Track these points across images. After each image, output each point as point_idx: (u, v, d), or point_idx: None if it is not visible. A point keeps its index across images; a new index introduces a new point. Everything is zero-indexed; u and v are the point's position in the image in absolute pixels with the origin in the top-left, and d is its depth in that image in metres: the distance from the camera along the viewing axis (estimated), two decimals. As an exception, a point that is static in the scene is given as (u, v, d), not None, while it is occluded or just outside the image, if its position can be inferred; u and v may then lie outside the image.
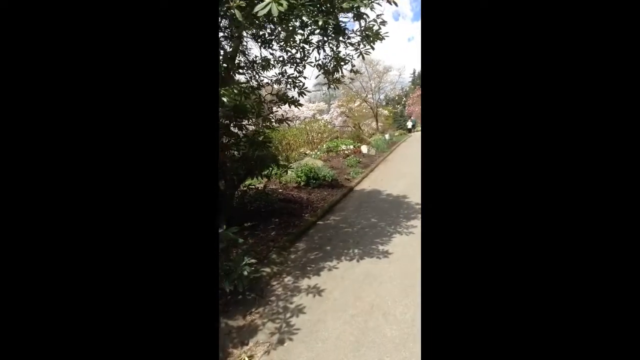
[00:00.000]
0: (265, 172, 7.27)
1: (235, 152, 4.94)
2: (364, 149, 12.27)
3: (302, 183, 7.36)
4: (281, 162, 9.02)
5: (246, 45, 4.79)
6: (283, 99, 4.78)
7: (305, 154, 11.09)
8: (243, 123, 4.71)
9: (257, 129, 4.96)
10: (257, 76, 5.10)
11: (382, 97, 28.90)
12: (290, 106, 4.77)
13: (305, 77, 4.84)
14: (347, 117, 26.96)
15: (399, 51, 71.51)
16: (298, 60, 4.59)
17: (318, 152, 10.68)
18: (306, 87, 4.82)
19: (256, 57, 4.86)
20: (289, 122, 5.09)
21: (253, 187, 6.46)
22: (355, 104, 26.82)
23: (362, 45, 3.98)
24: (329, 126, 27.89)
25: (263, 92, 5.23)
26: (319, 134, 12.20)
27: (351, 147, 11.18)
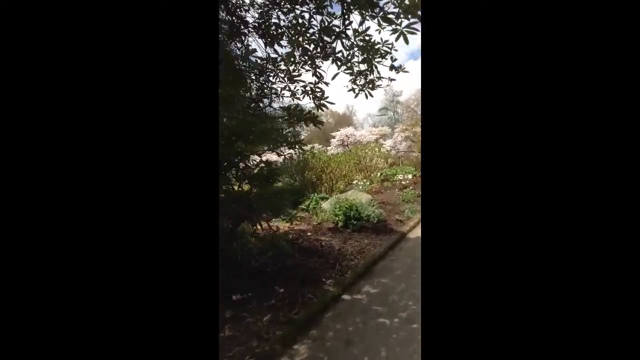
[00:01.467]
0: (283, 213, 5.63)
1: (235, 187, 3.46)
2: (427, 179, 10.19)
3: (340, 224, 5.64)
4: (317, 196, 7.47)
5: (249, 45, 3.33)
6: (300, 117, 3.17)
7: (350, 183, 9.35)
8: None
9: (261, 158, 3.41)
10: (267, 84, 3.60)
11: (450, 120, 26.12)
12: (314, 125, 3.16)
13: (326, 83, 3.21)
14: (412, 142, 24.80)
15: (470, 74, 67.11)
16: (315, 55, 2.97)
17: (367, 183, 8.86)
18: (327, 97, 3.18)
19: (262, 60, 3.37)
20: (303, 146, 3.44)
21: (274, 227, 4.91)
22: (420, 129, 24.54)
23: (401, 20, 2.26)
24: (389, 151, 25.99)
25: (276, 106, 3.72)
26: (373, 160, 10.45)
27: (410, 176, 9.18)
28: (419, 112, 24.83)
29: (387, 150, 26.87)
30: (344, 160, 9.73)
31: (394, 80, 3.03)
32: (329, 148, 23.75)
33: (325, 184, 7.86)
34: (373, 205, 6.68)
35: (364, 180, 9.96)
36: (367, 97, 3.15)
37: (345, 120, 39.95)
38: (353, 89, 3.21)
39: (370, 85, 3.08)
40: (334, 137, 24.25)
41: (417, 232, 5.64)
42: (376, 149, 10.71)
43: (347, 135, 24.29)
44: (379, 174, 10.27)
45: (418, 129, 24.24)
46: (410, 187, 8.75)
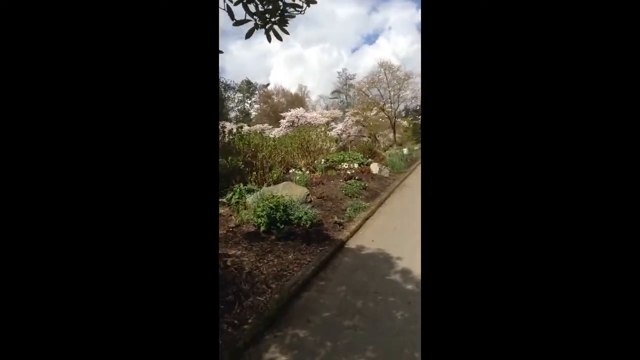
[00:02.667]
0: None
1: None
2: (374, 167, 9.04)
3: (262, 228, 4.25)
4: (242, 187, 5.92)
5: None
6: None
7: (288, 172, 7.94)
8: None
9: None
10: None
11: (401, 107, 25.58)
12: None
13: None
14: (363, 126, 23.94)
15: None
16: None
17: (307, 173, 7.48)
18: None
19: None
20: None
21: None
22: (372, 113, 23.74)
23: None
24: (340, 134, 24.93)
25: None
26: (318, 144, 9.13)
27: (356, 165, 7.97)
28: (370, 96, 23.89)
29: (337, 134, 25.93)
30: (282, 143, 8.26)
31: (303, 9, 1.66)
32: (277, 130, 22.12)
33: (255, 173, 6.36)
34: (309, 202, 5.33)
35: (304, 169, 8.61)
36: (279, 39, 1.74)
37: (298, 101, 38.32)
38: (258, 25, 1.77)
39: (278, 18, 1.66)
40: (284, 118, 22.65)
41: (359, 240, 4.41)
42: (321, 132, 9.38)
43: (297, 117, 22.79)
44: (322, 160, 8.97)
45: (369, 113, 23.40)
46: (356, 178, 7.54)
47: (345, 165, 7.56)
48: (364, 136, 24.69)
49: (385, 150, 16.84)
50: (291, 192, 5.32)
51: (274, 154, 7.39)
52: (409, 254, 3.67)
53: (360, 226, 4.87)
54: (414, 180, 9.04)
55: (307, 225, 4.35)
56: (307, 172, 8.80)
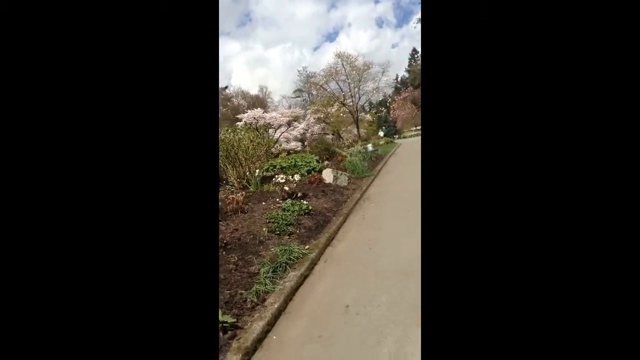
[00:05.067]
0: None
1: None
2: (327, 175, 6.55)
3: None
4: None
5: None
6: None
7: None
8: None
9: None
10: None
11: (363, 100, 23.35)
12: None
13: None
14: (326, 123, 21.56)
15: (382, 57, 66.02)
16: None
17: (230, 190, 4.90)
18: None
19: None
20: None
21: None
22: (333, 109, 21.36)
23: None
24: (303, 133, 22.37)
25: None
26: (249, 150, 6.50)
27: (297, 176, 5.39)
28: (329, 90, 21.56)
29: (300, 134, 23.35)
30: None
31: None
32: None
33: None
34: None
35: (236, 184, 6.01)
36: None
37: (259, 102, 35.71)
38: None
39: None
40: (240, 120, 19.86)
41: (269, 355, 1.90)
42: (255, 135, 6.75)
43: (255, 118, 20.11)
44: (257, 171, 6.41)
45: (330, 109, 21.05)
46: (298, 195, 5.03)
47: (281, 179, 5.03)
48: (327, 133, 22.37)
49: (348, 147, 14.46)
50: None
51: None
52: None
53: (277, 314, 2.36)
54: (380, 189, 6.61)
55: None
56: (238, 188, 6.22)
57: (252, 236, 3.59)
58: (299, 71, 38.12)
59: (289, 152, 21.08)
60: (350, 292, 2.59)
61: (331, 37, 55.23)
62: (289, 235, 3.71)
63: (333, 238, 3.90)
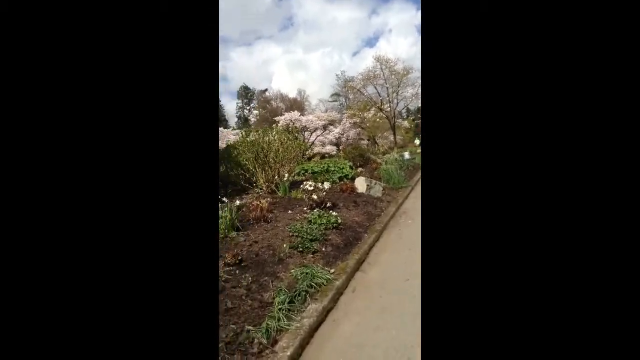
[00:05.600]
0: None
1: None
2: (360, 183, 5.99)
3: None
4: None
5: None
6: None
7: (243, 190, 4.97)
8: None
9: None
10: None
11: (401, 106, 22.49)
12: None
13: None
14: (362, 128, 20.95)
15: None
16: None
17: (258, 195, 4.44)
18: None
19: None
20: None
21: None
22: (370, 113, 20.71)
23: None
24: (339, 137, 21.91)
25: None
26: (279, 152, 6.10)
27: (327, 184, 4.86)
28: (366, 94, 20.94)
29: (335, 138, 22.92)
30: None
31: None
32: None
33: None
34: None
35: (264, 187, 5.64)
36: None
37: (296, 105, 35.85)
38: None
39: None
40: (278, 123, 19.80)
41: None
42: (284, 136, 6.36)
43: (291, 120, 20.00)
44: (286, 175, 5.99)
45: (367, 114, 20.41)
46: (327, 205, 4.54)
47: (309, 186, 4.56)
48: (362, 139, 21.76)
49: (384, 154, 13.78)
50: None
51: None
52: None
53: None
54: (419, 203, 5.94)
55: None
56: (267, 192, 5.86)
57: (271, 251, 3.14)
58: (337, 75, 37.70)
59: (323, 156, 20.72)
60: (382, 337, 2.05)
61: (371, 42, 54.36)
62: (312, 253, 3.22)
63: (364, 260, 3.36)
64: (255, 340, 1.94)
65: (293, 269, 2.85)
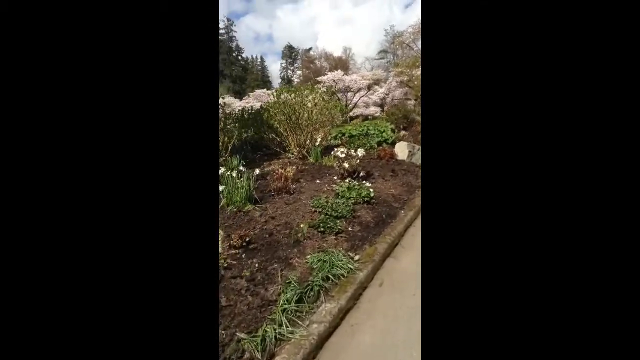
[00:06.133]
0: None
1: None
2: (401, 149, 5.27)
3: None
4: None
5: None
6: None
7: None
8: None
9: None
10: None
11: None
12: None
13: None
14: (409, 87, 19.33)
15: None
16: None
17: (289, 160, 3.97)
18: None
19: None
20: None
21: None
22: (419, 71, 18.90)
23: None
24: (383, 98, 20.55)
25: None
26: (313, 114, 5.47)
27: (360, 150, 4.20)
28: (415, 48, 19.06)
29: (380, 98, 21.56)
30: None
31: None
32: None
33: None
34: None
35: (296, 152, 5.17)
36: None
37: (341, 64, 34.26)
38: None
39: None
40: (320, 83, 18.96)
41: None
42: (318, 96, 5.65)
43: (334, 80, 19.03)
44: (318, 139, 5.42)
45: (416, 72, 18.66)
46: (360, 174, 3.95)
47: (340, 153, 3.98)
48: (409, 99, 20.18)
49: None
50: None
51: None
52: None
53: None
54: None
55: None
56: (298, 157, 5.40)
57: (288, 230, 2.70)
58: (385, 30, 34.91)
59: (366, 118, 19.64)
60: (413, 351, 1.54)
61: (423, -8, 48.93)
62: (336, 234, 2.72)
63: (397, 244, 2.80)
64: (247, 354, 1.53)
65: (310, 254, 2.39)
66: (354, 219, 3.02)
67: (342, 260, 2.29)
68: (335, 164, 4.32)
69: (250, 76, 40.30)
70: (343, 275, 2.17)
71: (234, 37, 38.16)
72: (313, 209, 3.09)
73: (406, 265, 2.48)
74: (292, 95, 5.81)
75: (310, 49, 43.15)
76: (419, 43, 19.00)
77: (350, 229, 2.86)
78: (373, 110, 21.55)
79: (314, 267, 2.22)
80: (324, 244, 2.55)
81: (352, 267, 2.27)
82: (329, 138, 6.65)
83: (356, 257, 2.43)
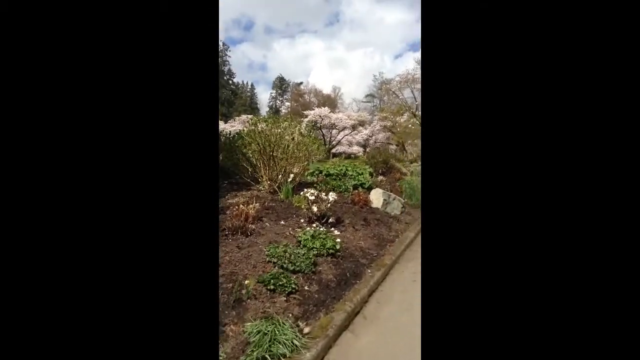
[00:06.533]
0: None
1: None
2: (376, 196, 4.99)
3: None
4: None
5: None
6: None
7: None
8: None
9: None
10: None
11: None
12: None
13: None
14: (392, 132, 19.67)
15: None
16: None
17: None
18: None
19: None
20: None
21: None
22: (403, 118, 19.37)
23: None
24: (367, 139, 20.81)
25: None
26: (289, 147, 5.17)
27: (332, 196, 3.85)
28: (401, 97, 19.64)
29: (363, 139, 21.82)
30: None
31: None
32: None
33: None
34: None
35: (267, 185, 4.76)
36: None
37: (329, 102, 35.04)
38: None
39: None
40: (306, 117, 19.02)
41: None
42: (296, 130, 5.36)
43: (320, 116, 19.19)
44: (291, 176, 5.07)
45: (400, 118, 19.08)
46: (328, 221, 3.58)
47: (310, 195, 3.61)
48: (391, 144, 20.53)
49: (411, 163, 12.55)
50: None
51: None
52: None
53: None
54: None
55: None
56: (269, 191, 5.00)
57: (231, 284, 2.24)
58: (374, 76, 36.24)
59: (349, 156, 19.65)
60: None
61: (415, 46, 51.86)
62: (288, 294, 2.29)
63: (358, 312, 2.39)
64: None
65: (251, 320, 1.94)
66: (313, 275, 2.60)
67: (286, 334, 1.85)
68: (304, 206, 3.95)
69: (239, 101, 40.41)
70: (284, 356, 1.73)
71: (228, 61, 38.58)
72: (267, 259, 2.66)
73: (364, 344, 2.06)
74: (270, 125, 5.51)
75: (301, 83, 44.20)
76: (406, 92, 19.65)
77: (306, 288, 2.44)
78: (356, 149, 21.75)
79: (251, 340, 1.77)
80: (271, 308, 2.11)
81: (297, 343, 1.83)
82: (306, 174, 6.32)
83: (306, 330, 1.99)
